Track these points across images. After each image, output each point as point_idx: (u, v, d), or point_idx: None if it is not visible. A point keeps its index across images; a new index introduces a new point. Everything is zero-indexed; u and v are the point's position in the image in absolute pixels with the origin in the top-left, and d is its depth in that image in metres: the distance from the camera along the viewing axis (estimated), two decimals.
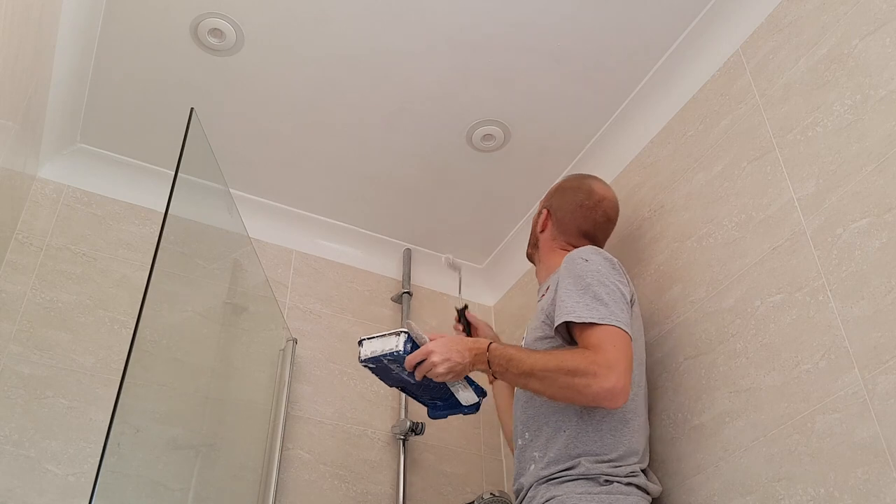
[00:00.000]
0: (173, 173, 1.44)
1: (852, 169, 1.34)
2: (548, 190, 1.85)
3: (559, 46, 1.81)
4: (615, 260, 1.52)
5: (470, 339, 1.47)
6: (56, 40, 1.75)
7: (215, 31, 1.77)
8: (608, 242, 1.90)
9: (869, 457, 1.17)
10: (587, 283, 1.42)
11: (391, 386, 1.52)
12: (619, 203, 1.92)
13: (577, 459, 1.36)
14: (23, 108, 1.63)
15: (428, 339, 1.42)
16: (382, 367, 1.46)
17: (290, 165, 2.14)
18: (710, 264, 1.60)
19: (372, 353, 1.44)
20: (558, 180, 1.84)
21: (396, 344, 1.41)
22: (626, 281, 1.50)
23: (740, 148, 1.62)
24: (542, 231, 1.73)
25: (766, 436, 1.35)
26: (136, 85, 1.91)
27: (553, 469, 1.38)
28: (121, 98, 1.95)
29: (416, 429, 2.01)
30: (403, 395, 2.08)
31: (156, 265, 1.33)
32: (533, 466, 1.43)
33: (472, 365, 1.40)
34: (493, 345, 1.41)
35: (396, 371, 1.46)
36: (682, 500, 1.49)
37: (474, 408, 1.53)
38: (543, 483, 1.39)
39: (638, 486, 1.36)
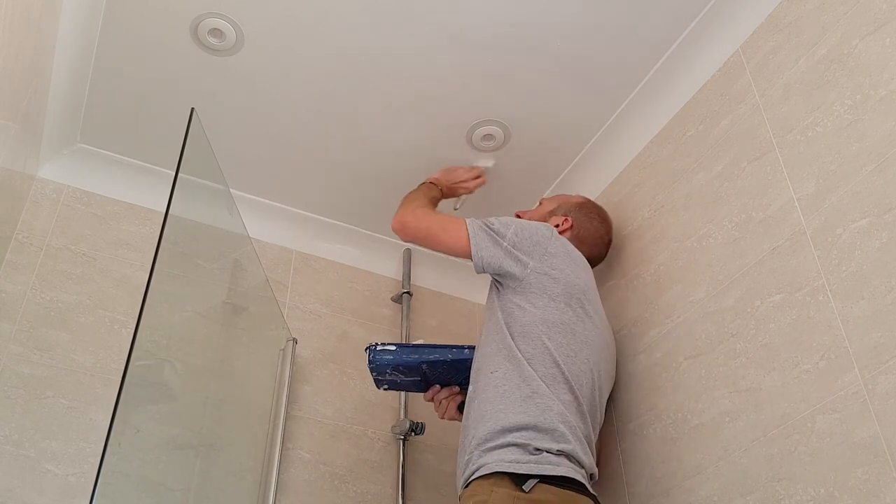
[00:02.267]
0: (173, 173, 1.44)
1: (852, 169, 1.34)
2: (555, 190, 2.00)
3: (559, 46, 1.81)
4: (576, 254, 1.66)
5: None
6: (56, 40, 1.75)
7: (215, 31, 1.77)
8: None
9: (869, 457, 1.17)
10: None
11: (423, 389, 1.73)
12: (619, 203, 1.98)
13: (502, 420, 1.40)
14: (23, 108, 1.63)
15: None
16: (391, 381, 1.70)
17: (290, 165, 2.14)
18: (710, 264, 1.60)
19: (374, 377, 1.69)
20: (576, 195, 1.97)
21: (368, 361, 1.66)
22: (535, 242, 1.60)
23: (740, 148, 1.62)
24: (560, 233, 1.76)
25: (766, 436, 1.35)
26: (136, 85, 1.91)
27: (486, 429, 1.42)
28: (121, 98, 1.95)
29: (416, 429, 2.01)
30: (403, 395, 2.09)
31: (156, 265, 1.33)
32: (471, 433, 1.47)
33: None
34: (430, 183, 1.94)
35: (399, 378, 1.69)
36: (682, 500, 1.49)
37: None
38: (477, 447, 1.42)
39: (569, 457, 1.37)
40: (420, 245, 1.78)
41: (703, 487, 1.45)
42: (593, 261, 1.81)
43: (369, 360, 1.65)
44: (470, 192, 2.05)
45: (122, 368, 1.22)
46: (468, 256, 1.62)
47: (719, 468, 1.43)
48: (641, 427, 1.64)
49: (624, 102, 1.95)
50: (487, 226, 1.62)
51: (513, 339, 1.50)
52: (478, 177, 2.04)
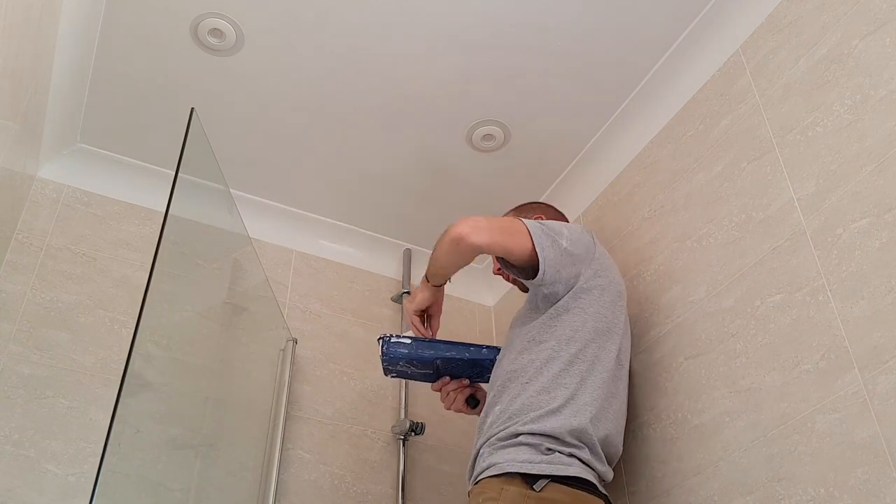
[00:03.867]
0: (173, 173, 1.44)
1: (852, 169, 1.34)
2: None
3: (559, 46, 1.81)
4: (608, 255, 1.63)
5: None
6: (56, 40, 1.75)
7: (215, 31, 1.77)
8: (609, 244, 1.90)
9: (869, 457, 1.17)
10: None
11: (433, 380, 1.71)
12: (619, 203, 1.97)
13: (520, 424, 1.39)
14: (23, 108, 1.63)
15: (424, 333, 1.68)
16: (401, 371, 1.69)
17: (290, 165, 2.14)
18: (710, 264, 1.60)
19: (384, 366, 1.67)
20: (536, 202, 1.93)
21: (381, 352, 1.64)
22: (586, 249, 1.56)
23: (740, 148, 1.62)
24: None
25: (766, 436, 1.35)
26: (136, 85, 1.91)
27: (502, 428, 1.42)
28: (121, 98, 1.95)
29: (416, 429, 2.01)
30: (403, 395, 2.09)
31: (156, 265, 1.33)
32: (486, 424, 1.47)
33: (421, 288, 1.64)
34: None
35: (410, 369, 1.68)
36: (682, 500, 1.49)
37: (494, 350, 1.67)
38: (488, 444, 1.42)
39: (581, 461, 1.37)
40: (486, 253, 1.55)
41: (703, 487, 1.45)
42: None
43: (382, 352, 1.63)
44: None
45: (122, 368, 1.22)
46: (532, 263, 1.51)
47: (719, 468, 1.43)
48: (641, 427, 1.64)
49: (624, 102, 1.95)
50: (544, 225, 1.54)
51: (554, 349, 1.47)
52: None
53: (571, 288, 1.52)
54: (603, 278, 1.56)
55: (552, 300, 1.54)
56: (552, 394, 1.42)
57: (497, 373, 1.56)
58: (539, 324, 1.53)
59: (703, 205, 1.67)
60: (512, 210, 1.88)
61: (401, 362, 1.65)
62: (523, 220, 1.54)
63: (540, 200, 1.97)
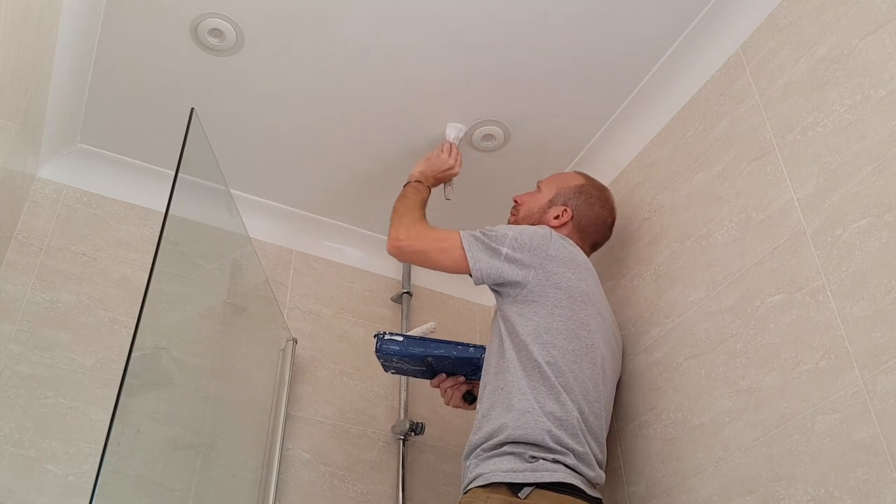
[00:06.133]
0: (173, 173, 1.44)
1: (852, 169, 1.34)
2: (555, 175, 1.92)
3: (559, 46, 1.81)
4: (577, 255, 1.62)
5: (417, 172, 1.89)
6: (56, 40, 1.75)
7: (215, 31, 1.77)
8: (609, 244, 1.89)
9: (869, 457, 1.17)
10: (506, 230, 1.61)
11: (429, 377, 1.76)
12: (619, 203, 1.95)
13: (504, 434, 1.40)
14: (23, 108, 1.63)
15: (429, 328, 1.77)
16: (398, 367, 1.75)
17: (290, 165, 2.14)
18: (710, 264, 1.60)
19: (381, 362, 1.74)
20: (573, 174, 1.87)
21: (375, 349, 1.70)
22: (533, 251, 1.56)
23: (740, 148, 1.62)
24: (559, 227, 1.73)
25: (766, 436, 1.35)
26: (136, 85, 1.91)
27: (486, 435, 1.43)
28: (121, 98, 1.95)
29: (416, 429, 2.01)
30: (403, 395, 2.09)
31: (156, 265, 1.33)
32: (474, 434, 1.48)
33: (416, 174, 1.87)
34: (416, 182, 1.85)
35: (406, 366, 1.73)
36: (682, 500, 1.49)
37: (481, 349, 1.69)
38: (475, 455, 1.43)
39: (567, 466, 1.37)
40: (419, 266, 1.72)
41: (703, 487, 1.45)
42: (597, 245, 1.80)
43: (376, 348, 1.69)
44: (457, 174, 1.94)
45: (122, 368, 1.23)
46: (468, 273, 1.58)
47: (719, 468, 1.43)
48: (641, 427, 1.64)
49: (624, 102, 1.95)
50: (484, 234, 1.59)
51: (515, 351, 1.48)
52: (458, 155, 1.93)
53: (522, 290, 1.53)
54: (554, 283, 1.53)
55: (505, 299, 1.56)
56: (518, 400, 1.43)
57: (482, 369, 1.59)
58: (499, 327, 1.55)
59: (703, 205, 1.67)
60: (548, 179, 1.87)
61: (394, 359, 1.70)
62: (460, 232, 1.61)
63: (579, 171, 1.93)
